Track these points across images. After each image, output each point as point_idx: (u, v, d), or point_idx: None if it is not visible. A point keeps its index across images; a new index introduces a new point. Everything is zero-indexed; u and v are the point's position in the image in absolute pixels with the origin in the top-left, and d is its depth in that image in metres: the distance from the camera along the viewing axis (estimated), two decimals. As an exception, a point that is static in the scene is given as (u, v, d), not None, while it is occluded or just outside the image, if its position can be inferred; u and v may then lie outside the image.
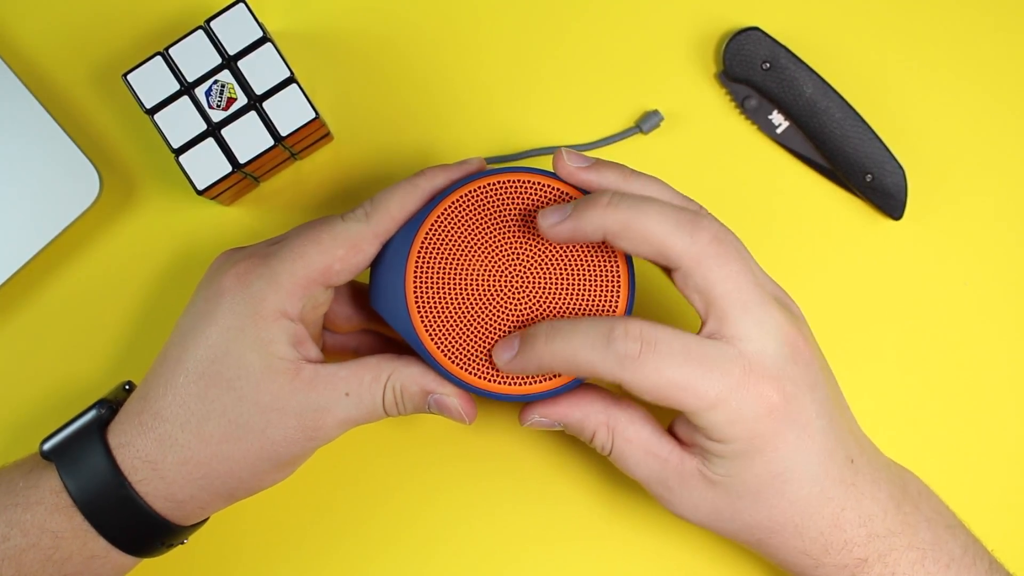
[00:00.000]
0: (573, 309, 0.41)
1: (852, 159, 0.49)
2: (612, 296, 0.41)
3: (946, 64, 0.50)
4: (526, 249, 0.41)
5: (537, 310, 0.41)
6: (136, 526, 0.40)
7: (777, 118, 0.49)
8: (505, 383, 0.40)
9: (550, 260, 0.41)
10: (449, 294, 0.41)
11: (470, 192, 0.41)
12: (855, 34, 0.50)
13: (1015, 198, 0.50)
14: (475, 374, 0.40)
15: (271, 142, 0.45)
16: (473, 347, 0.40)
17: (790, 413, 0.38)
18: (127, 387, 0.43)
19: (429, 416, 0.48)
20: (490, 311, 0.41)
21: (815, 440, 0.38)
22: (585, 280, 0.41)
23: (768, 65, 0.48)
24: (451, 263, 0.41)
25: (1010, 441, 0.50)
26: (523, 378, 0.40)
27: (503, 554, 0.48)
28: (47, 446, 0.41)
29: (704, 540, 0.49)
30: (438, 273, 0.41)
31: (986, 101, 0.50)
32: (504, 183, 0.41)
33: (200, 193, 0.45)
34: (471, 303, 0.41)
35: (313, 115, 0.44)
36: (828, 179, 0.50)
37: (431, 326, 0.40)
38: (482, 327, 0.40)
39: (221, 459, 0.40)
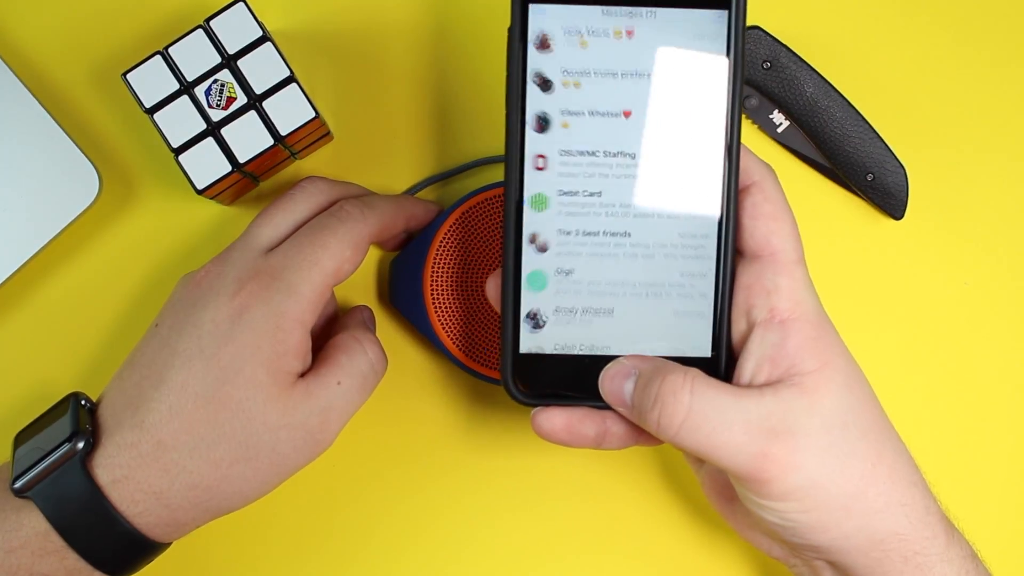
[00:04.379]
0: None
1: (853, 158, 0.49)
2: None
3: (948, 63, 0.50)
4: None
5: None
6: (133, 554, 0.39)
7: (778, 117, 0.49)
8: None
9: None
10: (460, 295, 0.45)
11: (475, 205, 0.46)
12: (856, 33, 0.50)
13: (1016, 198, 0.50)
14: (484, 363, 0.45)
15: (271, 141, 0.44)
16: (482, 340, 0.45)
17: None
18: (85, 404, 0.41)
19: (425, 416, 0.49)
20: (495, 310, 0.44)
21: None
22: None
23: (769, 64, 0.48)
24: (461, 267, 0.45)
25: (1011, 441, 0.50)
26: None
27: (503, 557, 0.48)
28: (20, 484, 0.38)
29: (712, 542, 0.49)
30: (451, 277, 0.45)
31: (988, 101, 0.50)
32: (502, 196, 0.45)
33: (200, 193, 0.44)
34: (480, 302, 0.45)
35: (313, 114, 0.44)
36: (829, 178, 0.50)
37: (446, 323, 0.45)
38: (490, 323, 0.45)
39: (231, 480, 0.39)
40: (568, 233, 0.39)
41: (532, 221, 0.39)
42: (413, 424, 0.49)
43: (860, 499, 0.37)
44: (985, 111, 0.50)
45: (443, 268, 0.45)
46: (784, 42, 0.49)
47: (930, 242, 0.50)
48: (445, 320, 0.45)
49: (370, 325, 0.46)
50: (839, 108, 0.48)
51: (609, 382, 0.38)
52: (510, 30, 0.38)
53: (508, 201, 0.38)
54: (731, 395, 0.36)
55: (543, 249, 0.39)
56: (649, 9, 0.38)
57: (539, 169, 0.38)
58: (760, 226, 0.38)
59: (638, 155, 0.38)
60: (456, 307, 0.45)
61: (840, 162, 0.49)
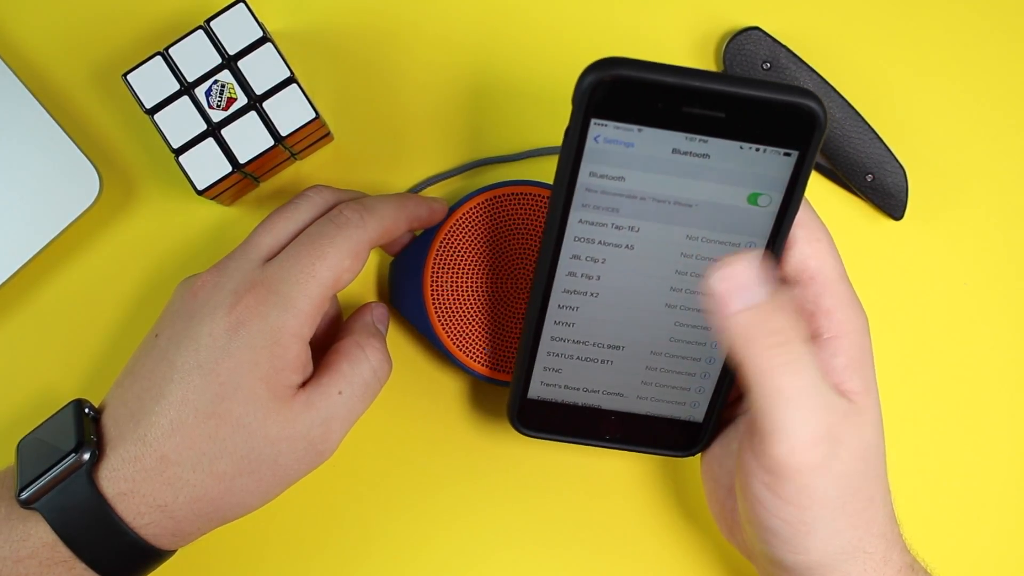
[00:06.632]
0: None
1: (853, 159, 0.49)
2: None
3: (947, 64, 0.50)
4: (527, 254, 0.46)
5: None
6: (141, 563, 0.39)
7: (777, 118, 0.49)
8: (511, 372, 0.45)
9: None
10: (461, 296, 0.45)
11: (476, 205, 0.45)
12: (855, 34, 0.50)
13: (1016, 198, 0.50)
14: (485, 364, 0.45)
15: (271, 142, 0.44)
16: (483, 341, 0.45)
17: None
18: (89, 412, 0.40)
19: (426, 417, 0.49)
20: (497, 310, 0.45)
21: None
22: None
23: (768, 65, 0.48)
24: (462, 268, 0.45)
25: (1010, 441, 0.50)
26: None
27: (500, 554, 0.48)
28: (27, 495, 0.38)
29: (702, 541, 0.49)
30: (451, 278, 0.45)
31: (987, 101, 0.50)
32: (504, 196, 0.45)
33: (200, 193, 0.44)
34: (481, 303, 0.45)
35: (313, 115, 0.44)
36: (828, 179, 0.50)
37: (447, 324, 0.45)
38: (490, 324, 0.45)
39: (234, 492, 0.39)
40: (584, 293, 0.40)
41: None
42: (413, 424, 0.49)
43: (840, 535, 0.37)
44: (985, 111, 0.50)
45: (444, 269, 0.45)
46: (784, 42, 0.49)
47: (930, 242, 0.50)
48: (446, 321, 0.45)
49: (380, 325, 0.45)
50: (839, 108, 0.48)
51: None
52: (567, 140, 0.36)
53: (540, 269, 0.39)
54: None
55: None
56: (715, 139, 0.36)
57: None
58: (795, 252, 0.38)
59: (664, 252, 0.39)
60: (457, 308, 0.45)
61: (840, 162, 0.49)
